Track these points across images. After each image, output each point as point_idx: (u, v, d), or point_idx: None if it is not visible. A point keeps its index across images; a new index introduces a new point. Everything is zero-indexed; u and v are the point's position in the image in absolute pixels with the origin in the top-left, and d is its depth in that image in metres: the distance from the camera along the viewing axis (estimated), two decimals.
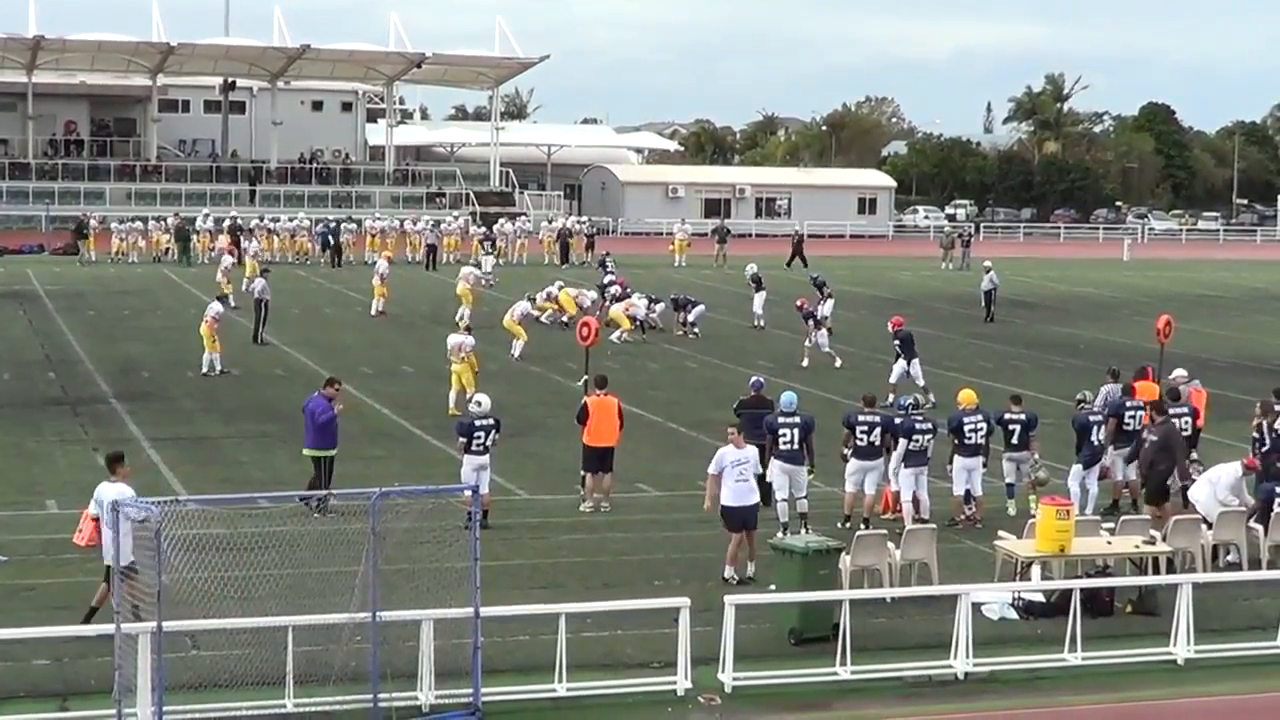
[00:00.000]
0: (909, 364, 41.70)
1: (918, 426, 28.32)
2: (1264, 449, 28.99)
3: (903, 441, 28.31)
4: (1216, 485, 27.23)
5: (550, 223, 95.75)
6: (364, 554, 18.59)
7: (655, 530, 28.12)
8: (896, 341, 42.44)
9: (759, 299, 58.74)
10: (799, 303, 50.93)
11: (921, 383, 41.06)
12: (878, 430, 28.53)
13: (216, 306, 45.26)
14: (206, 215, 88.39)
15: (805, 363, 47.83)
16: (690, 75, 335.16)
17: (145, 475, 31.41)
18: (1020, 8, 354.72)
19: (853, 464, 28.58)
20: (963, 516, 28.71)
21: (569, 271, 76.48)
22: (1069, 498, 27.16)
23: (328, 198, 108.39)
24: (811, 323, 49.32)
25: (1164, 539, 25.31)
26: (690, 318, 56.04)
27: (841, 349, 50.02)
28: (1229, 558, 26.58)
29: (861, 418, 28.64)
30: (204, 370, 44.01)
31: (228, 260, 61.98)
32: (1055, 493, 27.18)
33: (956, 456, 28.87)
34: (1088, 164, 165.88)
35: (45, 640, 19.82)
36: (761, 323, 58.13)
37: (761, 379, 31.44)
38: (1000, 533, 25.59)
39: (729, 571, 24.80)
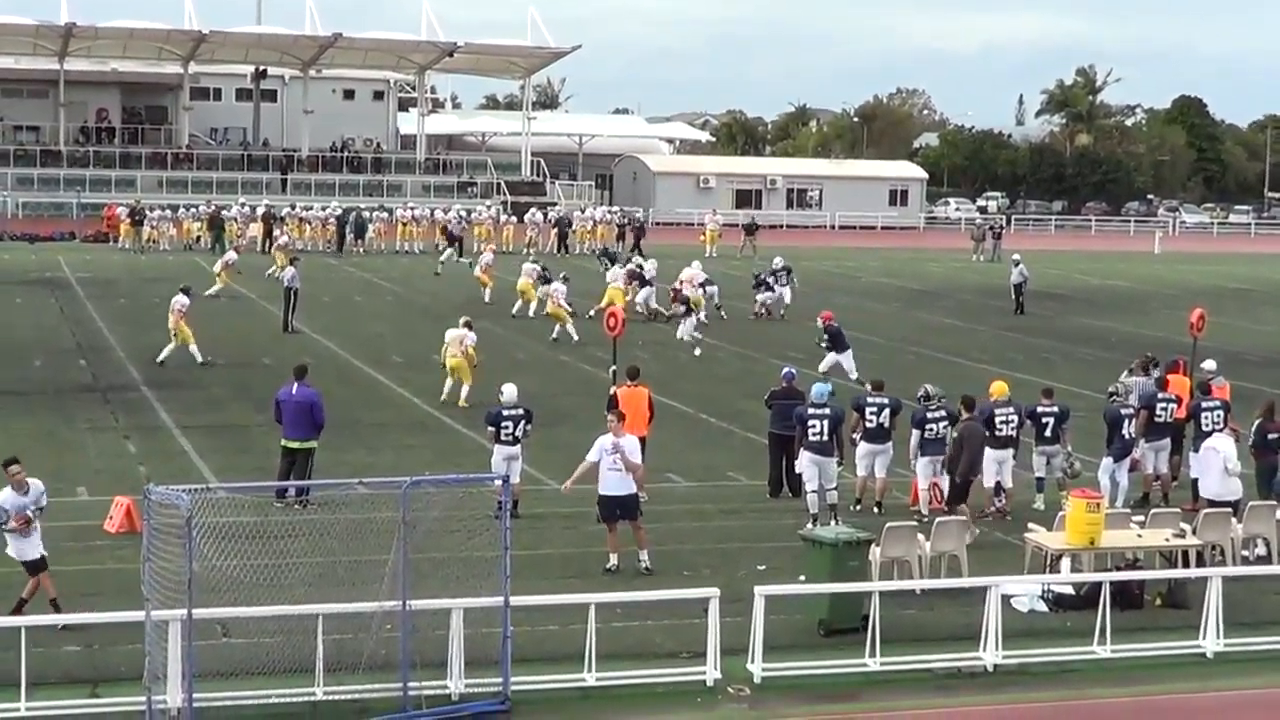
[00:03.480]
0: (840, 356, 42.08)
1: (930, 416, 28.42)
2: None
3: (916, 432, 28.45)
4: (1227, 458, 27.16)
5: (582, 213, 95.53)
6: (394, 542, 18.62)
7: (685, 520, 28.15)
8: (825, 335, 42.87)
9: (785, 291, 58.72)
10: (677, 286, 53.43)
11: (854, 376, 41.27)
12: (886, 412, 28.99)
13: (182, 299, 44.61)
14: (243, 204, 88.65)
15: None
16: (722, 66, 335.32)
17: (176, 462, 31.61)
18: (1052, 0, 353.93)
19: (862, 447, 29.04)
20: (993, 509, 28.69)
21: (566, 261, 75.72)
22: (1099, 490, 27.11)
23: (359, 186, 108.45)
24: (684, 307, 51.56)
25: (1194, 532, 25.26)
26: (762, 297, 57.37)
27: (871, 340, 49.97)
28: (1258, 551, 26.52)
29: (871, 400, 29.13)
30: (200, 360, 43.79)
31: (232, 255, 62.26)
32: (1085, 485, 27.16)
33: (987, 448, 28.80)
34: (1119, 157, 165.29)
35: (76, 627, 19.88)
36: (792, 312, 57.84)
37: (793, 370, 31.40)
38: (1030, 525, 25.61)
39: (612, 560, 24.79)
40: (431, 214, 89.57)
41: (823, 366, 41.99)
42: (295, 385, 28.70)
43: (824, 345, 43.25)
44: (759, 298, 58.54)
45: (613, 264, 62.70)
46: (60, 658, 19.80)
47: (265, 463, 30.79)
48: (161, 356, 43.68)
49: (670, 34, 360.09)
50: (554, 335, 50.11)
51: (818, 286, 61.44)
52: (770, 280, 59.16)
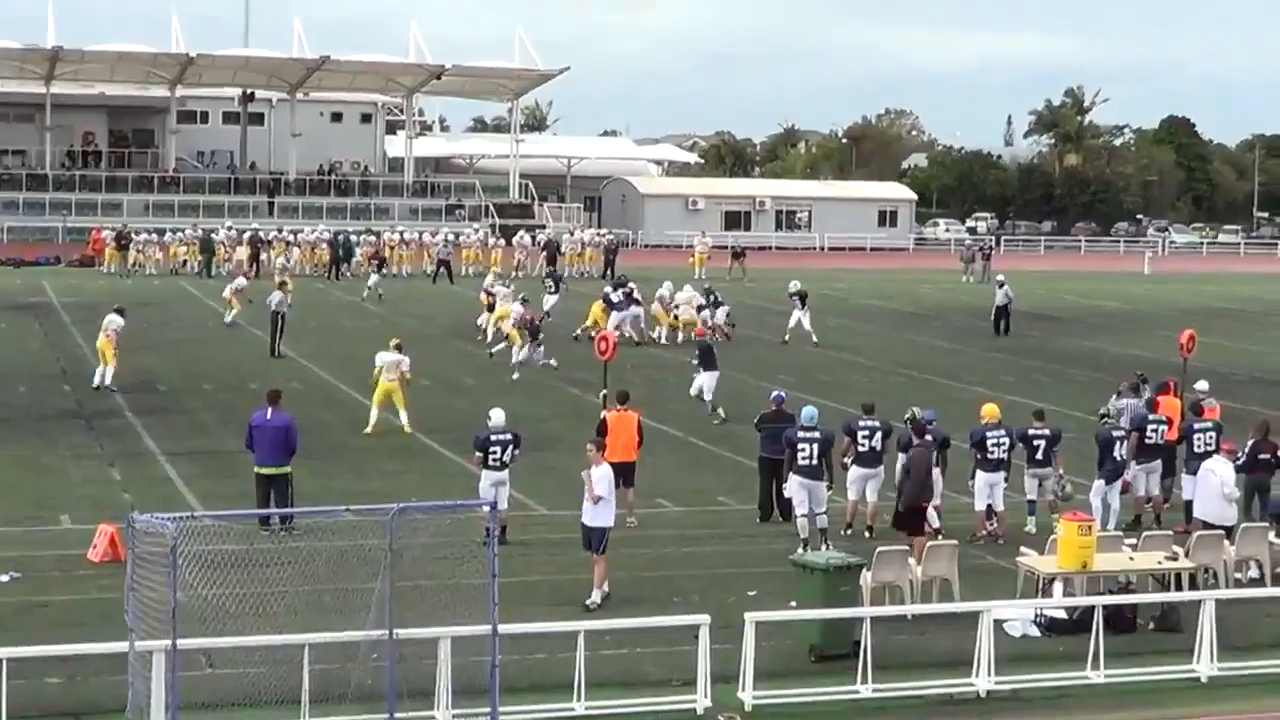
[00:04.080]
0: (705, 376, 41.44)
1: (915, 442, 28.25)
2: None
3: (902, 455, 28.31)
4: (1224, 482, 27.05)
5: (571, 235, 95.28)
6: (381, 570, 18.48)
7: (675, 546, 28.02)
8: (697, 352, 42.27)
9: (804, 317, 57.83)
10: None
11: (708, 398, 40.86)
12: (878, 435, 28.89)
13: (117, 320, 44.72)
14: (229, 227, 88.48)
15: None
16: (710, 86, 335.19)
17: (160, 489, 31.47)
18: (1040, 20, 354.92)
19: (854, 471, 28.90)
20: (984, 532, 28.59)
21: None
22: (1091, 513, 26.99)
23: (346, 210, 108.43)
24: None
25: (1187, 555, 25.16)
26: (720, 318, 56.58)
27: (860, 361, 49.87)
28: (1251, 573, 26.43)
29: (862, 423, 29.01)
30: (95, 383, 43.67)
31: (241, 281, 61.89)
32: (1077, 508, 27.07)
33: (979, 471, 28.74)
34: (1108, 177, 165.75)
35: (59, 658, 19.70)
36: (799, 338, 57.22)
37: (783, 393, 31.29)
38: (1022, 549, 25.49)
39: (594, 595, 24.45)
40: (420, 237, 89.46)
41: (693, 389, 41.34)
42: (269, 410, 28.63)
43: (694, 363, 42.65)
44: (721, 319, 57.67)
45: (558, 289, 62.19)
46: (43, 689, 19.60)
47: (251, 489, 30.60)
48: (101, 381, 43.58)
49: (658, 54, 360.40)
50: (506, 353, 49.83)
51: (794, 307, 61.03)
52: (719, 297, 58.77)
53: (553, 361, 47.55)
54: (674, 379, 48.16)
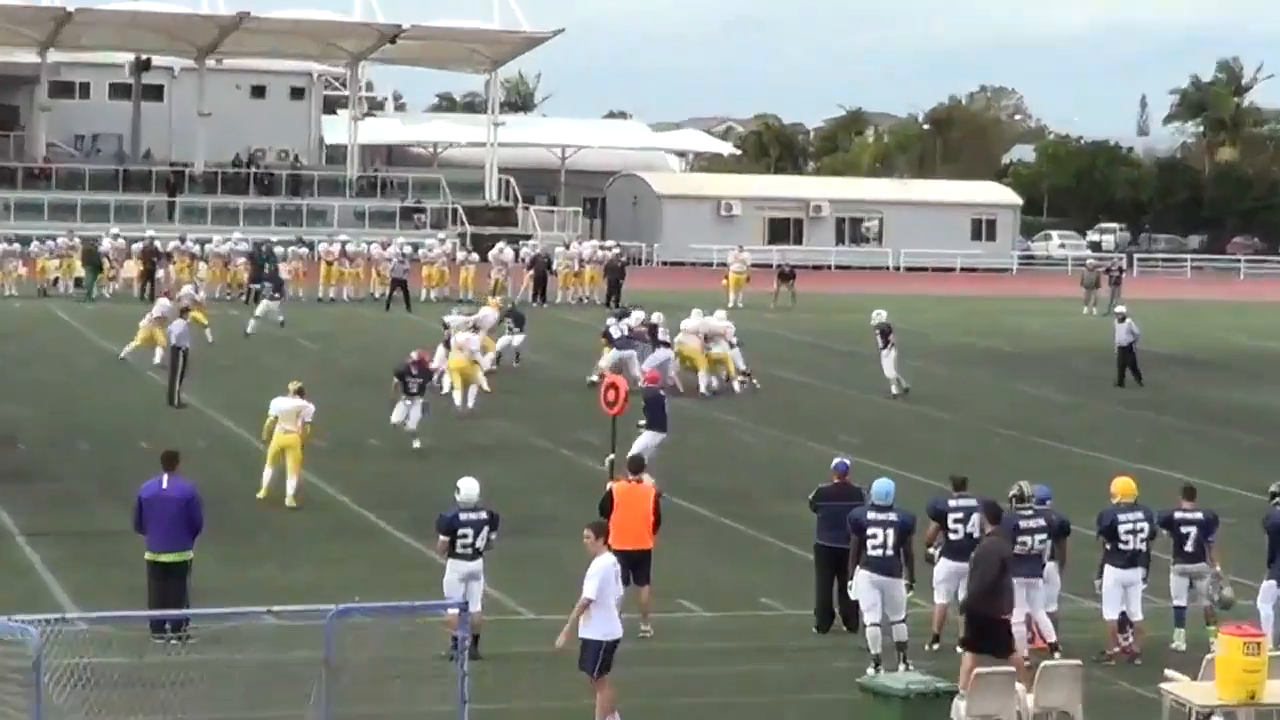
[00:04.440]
0: (648, 435, 41.14)
1: (1023, 525, 27.88)
2: None
3: None
4: None
5: (566, 248, 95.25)
6: (313, 692, 18.34)
7: (704, 664, 27.89)
8: (644, 405, 42.12)
9: (887, 357, 57.23)
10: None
11: (646, 459, 40.63)
12: (974, 519, 28.22)
13: None
14: (115, 235, 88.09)
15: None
16: (749, 56, 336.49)
17: (21, 582, 31.27)
18: None
19: (943, 566, 28.59)
20: (1117, 649, 28.40)
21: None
22: (1259, 625, 26.77)
23: (270, 213, 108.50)
24: None
25: None
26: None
27: (947, 419, 49.72)
28: None
29: (953, 503, 28.62)
30: None
31: (164, 304, 60.56)
32: (1240, 618, 26.85)
33: (1108, 567, 28.49)
34: (1275, 176, 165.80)
35: None
36: (897, 387, 56.75)
37: (847, 460, 31.05)
38: (1168, 672, 25.26)
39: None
40: (368, 249, 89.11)
41: (634, 449, 40.72)
42: (165, 478, 28.43)
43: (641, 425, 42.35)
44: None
45: (520, 327, 61.66)
46: None
47: (141, 581, 30.50)
48: None
49: (681, 14, 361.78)
50: (482, 404, 49.87)
51: (876, 346, 60.99)
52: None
53: (416, 443, 46.40)
54: (699, 438, 48.02)
